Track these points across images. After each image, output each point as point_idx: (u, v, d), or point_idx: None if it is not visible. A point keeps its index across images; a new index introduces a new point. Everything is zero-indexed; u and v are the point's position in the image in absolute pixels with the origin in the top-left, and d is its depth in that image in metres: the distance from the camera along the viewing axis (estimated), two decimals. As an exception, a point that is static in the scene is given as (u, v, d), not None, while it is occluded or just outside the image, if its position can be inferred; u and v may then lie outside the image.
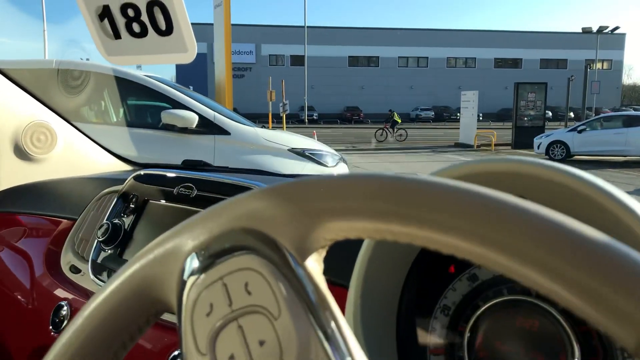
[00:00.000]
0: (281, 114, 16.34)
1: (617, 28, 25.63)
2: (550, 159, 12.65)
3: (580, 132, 12.74)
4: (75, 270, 0.91)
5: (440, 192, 0.24)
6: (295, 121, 32.15)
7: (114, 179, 1.08)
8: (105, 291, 0.31)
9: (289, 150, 3.69)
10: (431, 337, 0.58)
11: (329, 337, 0.25)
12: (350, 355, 0.25)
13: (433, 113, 38.64)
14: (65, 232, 0.99)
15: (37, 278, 0.93)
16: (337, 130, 24.88)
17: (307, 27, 35.24)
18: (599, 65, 37.97)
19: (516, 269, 0.21)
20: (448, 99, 40.48)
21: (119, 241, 0.86)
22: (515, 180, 0.45)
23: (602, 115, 15.11)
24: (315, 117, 34.62)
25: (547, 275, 0.20)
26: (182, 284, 0.29)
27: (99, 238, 0.86)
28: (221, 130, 3.58)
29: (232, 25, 7.12)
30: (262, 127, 4.17)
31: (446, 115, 38.45)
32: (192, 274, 0.29)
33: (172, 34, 0.66)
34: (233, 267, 0.27)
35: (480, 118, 25.11)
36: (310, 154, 3.77)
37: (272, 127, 14.83)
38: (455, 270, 0.58)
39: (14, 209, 1.12)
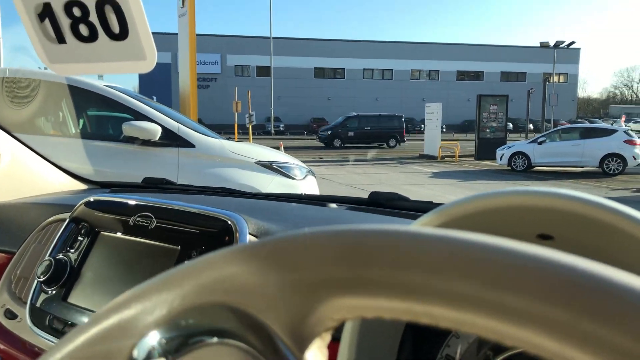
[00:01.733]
0: (247, 125, 16.16)
1: (572, 43, 26.56)
2: (513, 170, 12.94)
3: (540, 143, 13.08)
4: (10, 315, 0.79)
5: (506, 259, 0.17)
6: (261, 132, 31.91)
7: (62, 205, 0.96)
8: None
9: (256, 163, 3.59)
10: None
11: None
12: None
13: (398, 124, 39.11)
14: (1, 269, 0.87)
15: None
16: (304, 142, 24.82)
17: (273, 37, 35.17)
18: (555, 79, 39.30)
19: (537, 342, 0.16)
20: (413, 110, 41.05)
21: (64, 281, 0.73)
22: (534, 212, 0.37)
23: (560, 127, 15.59)
24: (281, 128, 34.48)
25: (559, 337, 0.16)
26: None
27: (39, 277, 0.74)
28: (185, 143, 3.45)
29: (197, 35, 6.99)
30: (227, 139, 4.06)
31: (411, 126, 38.96)
32: (147, 357, 0.21)
33: (127, 38, 0.55)
34: (209, 355, 0.20)
35: (444, 129, 25.49)
36: (278, 166, 3.68)
37: (238, 139, 14.64)
38: None
39: None
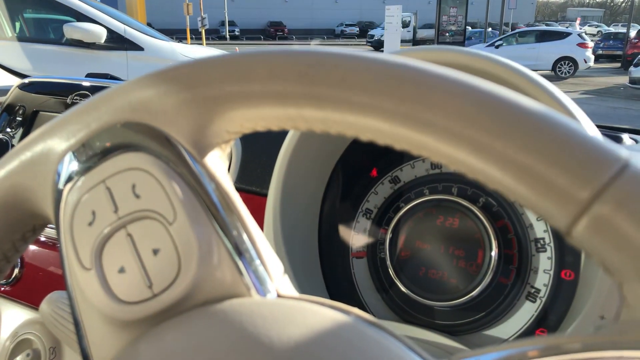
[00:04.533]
0: (200, 29, 15.41)
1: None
2: (469, 74, 13.09)
3: (497, 47, 13.16)
4: None
5: (360, 66, 0.20)
6: (215, 37, 30.52)
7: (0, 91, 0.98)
8: None
9: (209, 66, 3.52)
10: (354, 241, 0.59)
11: (235, 243, 0.22)
12: (260, 259, 0.23)
13: (358, 29, 38.07)
14: None
15: None
16: (260, 47, 23.99)
17: None
18: (517, -20, 38.61)
19: (445, 151, 0.19)
20: (373, 13, 39.90)
21: None
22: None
23: (517, 30, 15.60)
24: (237, 33, 33.02)
25: (479, 154, 0.18)
26: (58, 191, 0.24)
27: None
28: (134, 46, 3.32)
29: None
30: (179, 43, 3.91)
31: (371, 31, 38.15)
32: (68, 179, 0.24)
33: None
34: (117, 168, 0.23)
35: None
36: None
37: (191, 44, 14.01)
38: (378, 174, 0.59)
39: None
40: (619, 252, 0.16)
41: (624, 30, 17.88)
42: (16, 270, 0.69)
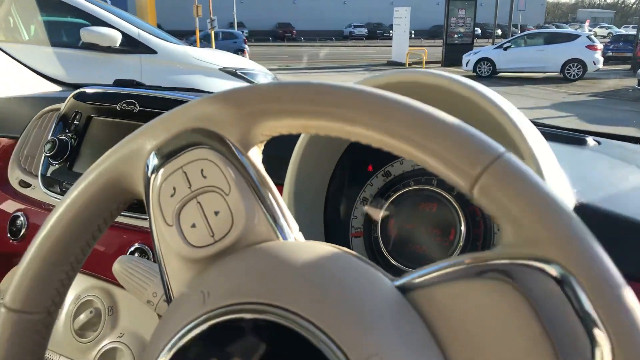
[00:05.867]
0: (209, 31, 15.55)
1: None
2: (478, 75, 13.07)
3: (505, 49, 13.15)
4: (24, 184, 0.95)
5: (348, 94, 0.31)
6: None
7: (51, 98, 1.07)
8: (80, 184, 0.37)
9: (220, 69, 3.60)
10: (353, 223, 0.71)
11: (268, 208, 0.34)
12: (285, 219, 0.34)
13: (366, 30, 38.09)
14: (7, 150, 1.00)
15: None
16: (270, 49, 24.13)
17: None
18: (526, -18, 38.46)
19: (393, 144, 0.29)
20: (382, 15, 39.93)
21: (67, 156, 0.89)
22: (415, 87, 0.56)
23: (526, 32, 15.58)
24: (245, 35, 33.28)
25: (415, 148, 0.28)
26: (147, 176, 0.35)
27: (46, 153, 0.89)
28: (147, 49, 3.41)
29: None
30: (190, 46, 3.99)
31: (379, 32, 38.07)
32: (156, 166, 0.35)
33: None
34: (190, 159, 0.34)
35: (413, 35, 25.06)
36: (243, 73, 3.69)
37: (200, 46, 14.14)
38: (373, 169, 0.71)
39: None
40: (497, 207, 0.26)
41: (634, 32, 17.77)
42: None
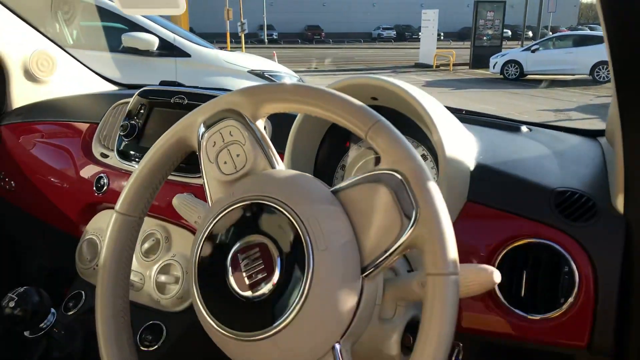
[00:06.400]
0: (240, 34, 15.91)
1: (578, -57, 25.29)
2: (505, 78, 13.01)
3: (533, 51, 13.05)
4: (104, 156, 1.23)
5: (306, 89, 0.57)
6: (254, 41, 31.23)
7: (119, 94, 1.39)
8: (159, 142, 0.63)
9: (248, 72, 3.83)
10: (335, 183, 0.92)
11: (266, 152, 0.58)
12: (276, 160, 0.59)
13: (395, 32, 38.08)
14: (91, 131, 1.30)
15: (78, 162, 1.26)
16: (298, 51, 24.40)
17: (264, -62, 33.20)
18: (559, -18, 37.75)
19: (322, 113, 0.55)
20: (410, 17, 39.78)
21: (135, 136, 1.17)
22: (369, 87, 0.79)
23: (555, 34, 15.40)
24: (275, 37, 33.65)
25: (333, 113, 0.54)
26: (199, 138, 0.60)
27: (121, 132, 1.17)
28: (182, 53, 3.66)
29: (185, -61, 6.80)
30: (220, 49, 4.23)
31: (408, 34, 37.96)
32: (203, 131, 0.60)
33: None
34: (223, 126, 0.59)
35: (442, 37, 24.99)
36: (270, 75, 3.92)
37: (231, 48, 14.48)
38: (349, 144, 0.92)
39: (45, 118, 1.42)
40: (377, 146, 0.51)
41: (669, 33, 17.27)
42: None
